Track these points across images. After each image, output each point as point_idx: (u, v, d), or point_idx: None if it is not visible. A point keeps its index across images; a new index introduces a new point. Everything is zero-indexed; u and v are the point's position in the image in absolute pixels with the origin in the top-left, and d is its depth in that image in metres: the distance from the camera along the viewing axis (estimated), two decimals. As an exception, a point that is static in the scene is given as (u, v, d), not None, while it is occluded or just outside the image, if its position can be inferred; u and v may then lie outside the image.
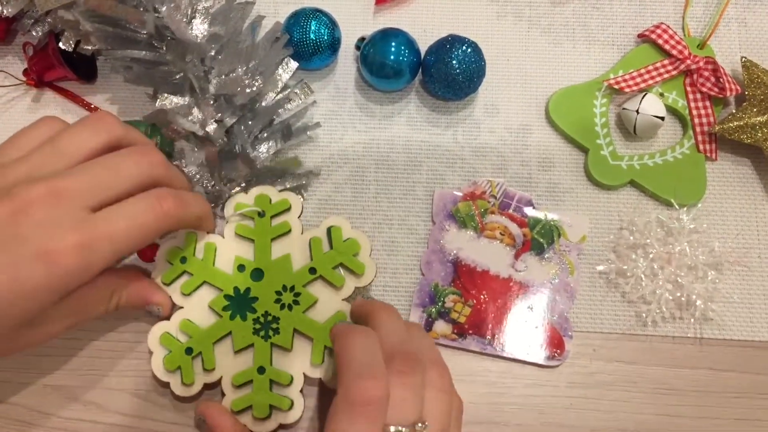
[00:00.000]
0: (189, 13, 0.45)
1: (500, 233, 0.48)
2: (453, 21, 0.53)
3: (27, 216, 0.33)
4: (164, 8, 0.44)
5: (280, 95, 0.48)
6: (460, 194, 0.48)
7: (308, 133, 0.49)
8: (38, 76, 0.50)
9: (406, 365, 0.35)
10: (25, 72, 0.51)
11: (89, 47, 0.46)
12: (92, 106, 0.51)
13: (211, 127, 0.45)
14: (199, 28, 0.45)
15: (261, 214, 0.46)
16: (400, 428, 0.33)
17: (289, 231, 0.45)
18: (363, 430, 0.32)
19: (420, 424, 0.33)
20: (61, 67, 0.50)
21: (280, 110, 0.48)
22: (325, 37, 0.49)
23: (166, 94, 0.46)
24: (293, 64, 0.48)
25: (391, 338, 0.37)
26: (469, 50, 0.48)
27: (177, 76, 0.46)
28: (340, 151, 0.50)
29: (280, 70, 0.48)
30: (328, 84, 0.52)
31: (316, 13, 0.49)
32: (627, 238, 0.47)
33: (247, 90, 0.45)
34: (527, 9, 0.53)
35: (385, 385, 0.33)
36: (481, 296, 0.46)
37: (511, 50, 0.52)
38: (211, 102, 0.46)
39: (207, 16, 0.45)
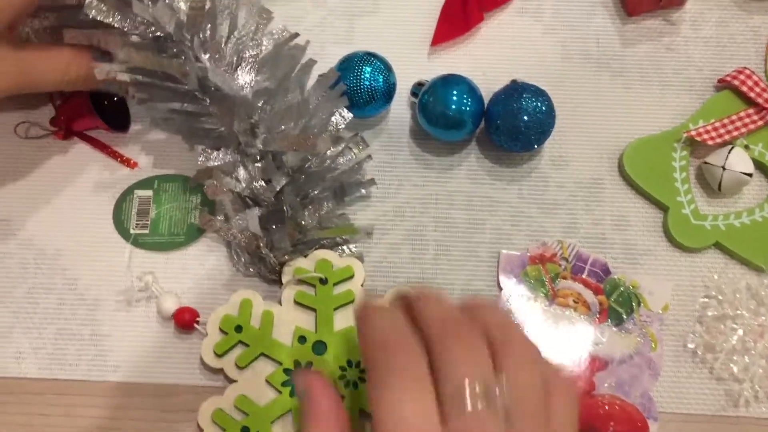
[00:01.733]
0: (234, 61, 0.41)
1: (574, 301, 0.44)
2: (514, 62, 0.49)
3: None
4: (206, 56, 0.40)
5: (334, 151, 0.44)
6: (527, 257, 0.44)
7: (362, 191, 0.45)
8: (67, 126, 0.46)
9: (458, 327, 0.28)
10: (53, 121, 0.46)
11: (120, 93, 0.42)
12: (125, 157, 0.47)
13: (259, 187, 0.41)
14: (245, 79, 0.41)
15: (323, 281, 0.42)
16: (471, 387, 0.26)
17: (353, 300, 0.42)
18: (409, 399, 0.26)
19: (497, 387, 0.26)
20: (91, 117, 0.46)
21: (332, 166, 0.44)
22: (380, 84, 0.45)
23: (208, 150, 0.42)
24: (348, 115, 0.44)
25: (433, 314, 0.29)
26: (539, 100, 0.44)
27: (221, 129, 0.42)
28: (396, 207, 0.46)
29: (333, 120, 0.44)
30: (381, 132, 0.48)
31: (370, 57, 0.45)
32: (714, 307, 0.43)
33: (300, 149, 0.41)
34: (595, 49, 0.49)
35: (416, 349, 0.27)
36: (555, 372, 0.42)
37: (580, 95, 0.48)
38: (258, 158, 0.42)
39: (254, 65, 0.41)
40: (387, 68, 0.45)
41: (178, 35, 0.40)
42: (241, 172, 0.42)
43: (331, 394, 0.31)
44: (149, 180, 0.46)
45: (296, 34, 0.43)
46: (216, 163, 0.42)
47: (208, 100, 0.41)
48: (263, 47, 0.43)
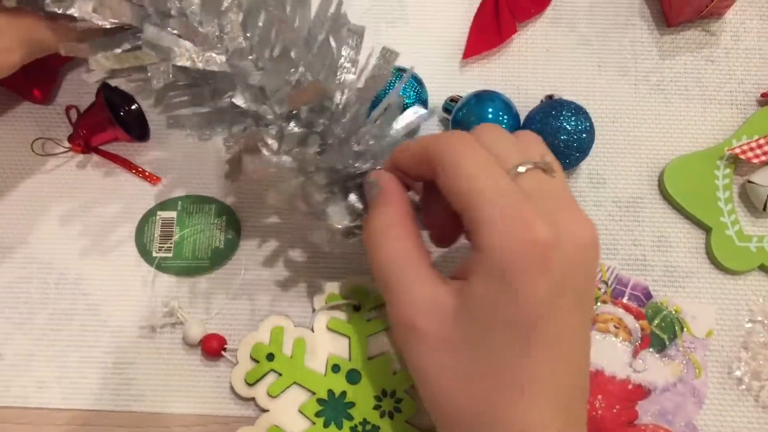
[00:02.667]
0: (215, 26, 0.35)
1: (614, 326, 0.42)
2: (549, 75, 0.47)
3: None
4: (175, 32, 0.35)
5: (352, 74, 0.37)
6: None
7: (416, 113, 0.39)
8: (86, 141, 0.45)
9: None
10: (71, 138, 0.45)
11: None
12: (147, 173, 0.45)
13: (297, 152, 0.35)
14: (234, 43, 0.36)
15: (356, 308, 0.41)
16: (526, 165, 0.30)
17: (387, 328, 0.41)
18: (483, 156, 0.30)
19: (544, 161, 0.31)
20: (112, 129, 0.44)
21: (365, 95, 0.37)
22: (412, 101, 0.43)
23: (230, 136, 0.36)
24: (360, 28, 0.37)
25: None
26: (579, 119, 0.42)
27: (234, 109, 0.36)
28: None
29: (345, 50, 0.37)
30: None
31: (401, 73, 0.43)
32: (759, 332, 0.42)
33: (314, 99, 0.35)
34: (633, 62, 0.47)
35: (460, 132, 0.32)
36: (596, 401, 0.41)
37: (617, 110, 0.46)
38: (280, 124, 0.36)
39: (237, 20, 0.35)
40: (418, 83, 0.44)
41: (140, 23, 0.35)
42: (270, 143, 0.36)
43: (400, 183, 0.34)
44: (172, 201, 0.44)
45: None
46: (242, 142, 0.36)
47: (200, 81, 0.37)
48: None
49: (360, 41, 0.37)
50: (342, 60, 0.37)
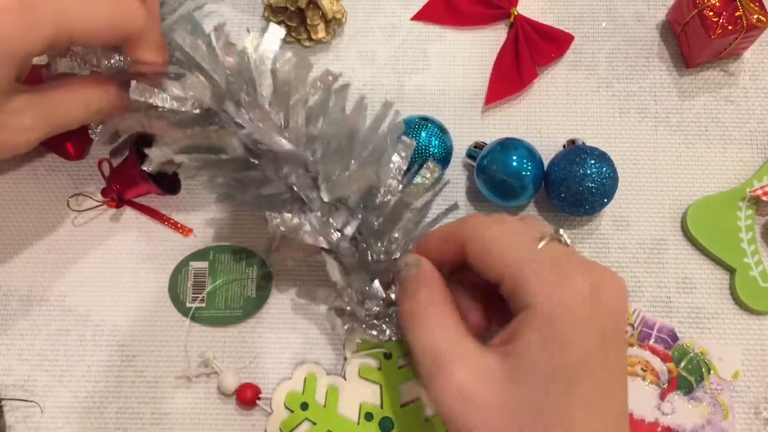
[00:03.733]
0: (281, 118, 0.39)
1: (642, 369, 0.43)
2: (570, 119, 0.48)
3: None
4: (249, 117, 0.38)
5: (401, 182, 0.40)
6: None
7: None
8: (119, 195, 0.46)
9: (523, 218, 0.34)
10: (104, 191, 0.46)
11: (180, 174, 0.41)
12: (179, 225, 0.46)
13: (334, 239, 0.39)
14: (295, 131, 0.39)
15: (387, 355, 0.41)
16: (544, 238, 0.31)
17: None
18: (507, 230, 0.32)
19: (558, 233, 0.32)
20: (145, 183, 0.45)
21: (405, 200, 0.40)
22: (437, 150, 0.44)
23: (276, 215, 0.39)
24: (410, 143, 0.41)
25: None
26: (603, 165, 0.43)
27: (282, 192, 0.40)
28: (455, 273, 0.45)
29: (395, 157, 0.41)
30: (436, 196, 0.46)
31: (424, 122, 0.44)
32: (786, 374, 0.42)
33: (363, 184, 0.38)
34: (653, 104, 0.48)
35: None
36: (626, 445, 0.41)
37: (638, 152, 0.47)
38: (327, 211, 0.40)
39: (302, 116, 0.39)
40: (442, 131, 0.45)
41: (218, 105, 0.38)
42: (309, 227, 0.39)
43: (436, 269, 0.35)
44: (204, 251, 0.45)
45: (340, 74, 0.41)
46: (287, 227, 0.39)
47: (261, 164, 0.39)
48: (309, 97, 0.40)
49: (409, 154, 0.40)
50: (392, 165, 0.40)
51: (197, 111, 0.38)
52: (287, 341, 0.44)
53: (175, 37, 0.38)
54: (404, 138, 0.41)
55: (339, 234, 0.39)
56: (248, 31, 0.41)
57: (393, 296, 0.40)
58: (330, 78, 0.41)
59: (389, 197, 0.40)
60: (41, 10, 0.32)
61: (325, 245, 0.39)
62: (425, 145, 0.44)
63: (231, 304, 0.44)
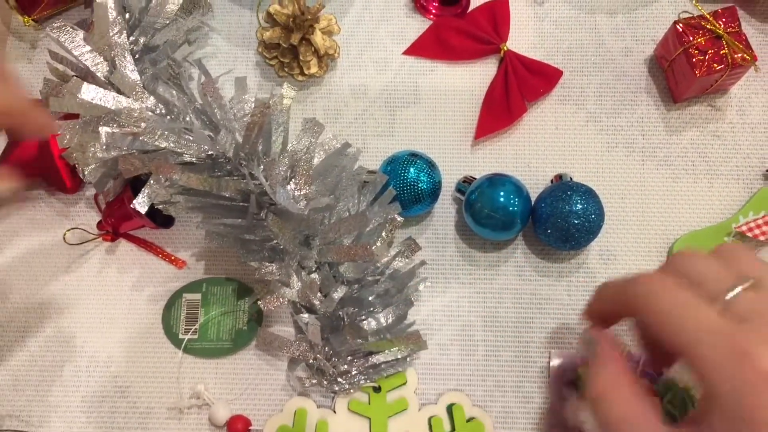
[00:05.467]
0: (288, 175, 0.41)
1: (627, 403, 0.43)
2: (559, 153, 0.48)
3: None
4: (261, 171, 0.40)
5: (388, 257, 0.44)
6: (578, 357, 0.44)
7: (414, 293, 0.45)
8: (114, 228, 0.47)
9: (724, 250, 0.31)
10: (100, 224, 0.47)
11: (174, 213, 0.42)
12: (173, 257, 0.47)
13: (317, 301, 0.41)
14: (302, 193, 0.41)
15: (377, 389, 0.42)
16: (734, 290, 0.29)
17: (406, 408, 0.42)
18: (683, 298, 0.30)
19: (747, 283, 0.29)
20: (139, 218, 0.46)
21: (387, 271, 0.44)
22: (425, 186, 0.45)
23: (265, 264, 0.42)
24: (400, 220, 0.44)
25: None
26: (589, 202, 0.43)
27: (275, 242, 0.42)
28: (444, 306, 0.46)
29: (386, 227, 0.44)
30: (426, 229, 0.47)
31: (413, 158, 0.45)
32: (770, 409, 0.43)
33: (357, 259, 0.41)
34: (640, 138, 0.49)
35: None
36: (611, 479, 0.42)
37: (626, 186, 0.48)
38: (313, 269, 0.42)
39: (308, 177, 0.41)
40: (430, 166, 0.45)
41: (235, 155, 0.40)
42: (297, 284, 0.42)
43: (617, 343, 0.35)
44: (197, 283, 0.46)
45: (348, 144, 0.43)
46: (273, 277, 0.41)
47: (263, 215, 0.41)
48: (315, 158, 0.43)
49: (395, 230, 0.44)
50: (380, 243, 0.43)
51: (211, 155, 0.40)
52: (278, 374, 0.45)
53: (194, 91, 0.40)
54: (397, 216, 0.44)
55: (323, 297, 0.41)
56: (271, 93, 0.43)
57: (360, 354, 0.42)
58: (336, 144, 0.43)
59: (375, 270, 0.43)
60: None
61: (304, 302, 0.41)
62: (414, 180, 0.44)
63: (223, 336, 0.45)
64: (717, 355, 0.28)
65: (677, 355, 0.30)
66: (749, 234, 0.45)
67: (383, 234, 0.43)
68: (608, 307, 0.34)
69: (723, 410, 0.28)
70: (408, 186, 0.44)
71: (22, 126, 0.36)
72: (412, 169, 0.45)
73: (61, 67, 0.45)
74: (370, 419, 0.42)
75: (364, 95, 0.50)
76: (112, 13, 0.44)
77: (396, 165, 0.45)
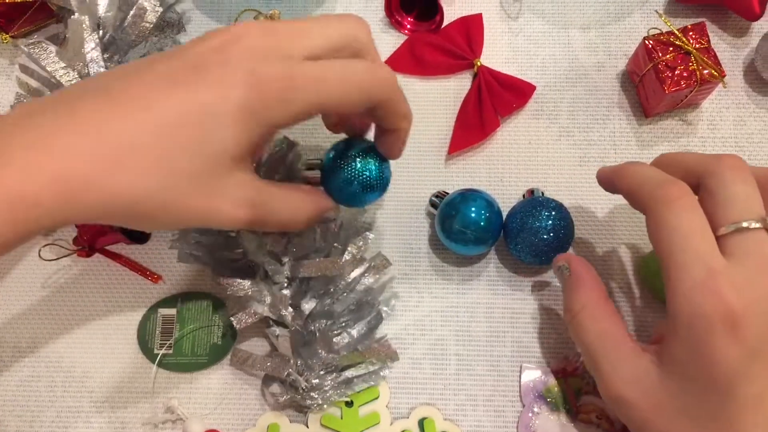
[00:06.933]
0: None
1: (597, 417, 0.44)
2: (532, 168, 0.49)
3: (236, 44, 0.31)
4: None
5: (358, 272, 0.44)
6: (549, 371, 0.44)
7: (385, 308, 0.45)
8: (89, 244, 0.47)
9: (734, 159, 0.34)
10: (75, 240, 0.47)
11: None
12: (148, 272, 0.47)
13: (288, 314, 0.42)
14: None
15: (349, 404, 0.43)
16: (750, 223, 0.32)
17: (379, 422, 0.43)
18: (688, 219, 0.33)
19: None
20: (114, 233, 0.46)
21: (358, 287, 0.44)
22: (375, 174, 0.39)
23: (236, 280, 0.42)
24: (371, 236, 0.44)
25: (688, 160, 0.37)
26: (559, 218, 0.44)
27: (244, 260, 0.43)
28: (416, 320, 0.46)
29: (356, 242, 0.44)
30: (400, 243, 0.48)
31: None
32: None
33: (328, 274, 0.42)
34: (612, 153, 0.49)
35: (685, 186, 0.34)
36: (580, 493, 0.42)
37: (597, 200, 0.48)
38: (285, 285, 0.42)
39: None
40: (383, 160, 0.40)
41: None
42: (268, 298, 0.42)
43: (590, 266, 0.40)
44: (173, 298, 0.47)
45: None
46: (245, 293, 0.42)
47: (235, 232, 0.42)
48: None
49: (365, 245, 0.45)
50: (347, 256, 0.44)
51: None
52: (252, 389, 0.45)
53: None
54: (368, 233, 0.45)
55: (293, 310, 0.42)
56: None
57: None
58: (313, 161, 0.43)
59: (345, 285, 0.44)
60: (301, 89, 0.31)
61: (275, 316, 0.41)
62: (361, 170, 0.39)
63: (198, 350, 0.45)
64: (693, 287, 0.31)
65: (662, 264, 0.33)
66: (718, 248, 0.45)
67: (353, 250, 0.44)
68: (679, 172, 0.36)
69: (682, 337, 0.32)
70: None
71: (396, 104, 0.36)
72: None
73: (34, 82, 0.45)
74: (342, 433, 0.43)
75: (339, 110, 0.50)
76: (87, 30, 0.44)
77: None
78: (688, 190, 0.34)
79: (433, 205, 0.47)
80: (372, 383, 0.44)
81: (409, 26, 0.52)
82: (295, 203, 0.36)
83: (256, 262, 0.42)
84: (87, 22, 0.44)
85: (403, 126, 0.37)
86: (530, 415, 0.44)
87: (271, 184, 0.35)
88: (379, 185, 0.39)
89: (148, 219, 0.31)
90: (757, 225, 0.32)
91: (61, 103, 0.30)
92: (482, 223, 0.44)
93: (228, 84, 0.30)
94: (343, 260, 0.43)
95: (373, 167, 0.39)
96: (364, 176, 0.38)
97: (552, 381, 0.44)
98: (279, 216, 0.35)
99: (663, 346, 0.34)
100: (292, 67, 0.31)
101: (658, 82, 0.46)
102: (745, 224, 0.32)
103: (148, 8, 0.45)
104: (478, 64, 0.50)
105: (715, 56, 0.46)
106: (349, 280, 0.44)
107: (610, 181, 0.40)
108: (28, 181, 0.27)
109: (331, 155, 0.39)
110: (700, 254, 0.32)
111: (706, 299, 0.31)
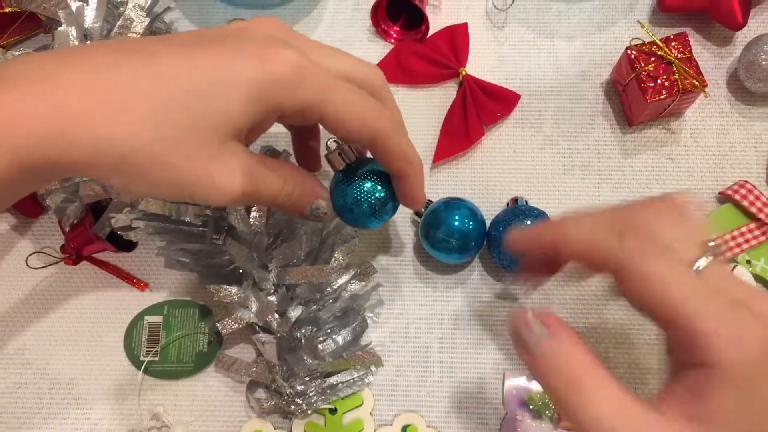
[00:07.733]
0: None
1: (579, 424, 0.44)
2: (516, 176, 0.49)
3: (258, 29, 0.32)
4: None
5: (344, 279, 0.44)
6: (532, 378, 0.45)
7: (370, 315, 0.46)
8: (77, 252, 0.47)
9: (635, 235, 0.30)
10: (63, 248, 0.47)
11: (134, 238, 0.43)
12: (135, 280, 0.48)
13: (274, 320, 0.42)
14: (257, 215, 0.42)
15: (332, 411, 0.43)
16: (705, 259, 0.28)
17: (362, 430, 0.43)
18: (672, 263, 0.28)
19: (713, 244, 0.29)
20: (100, 242, 0.47)
21: (344, 294, 0.45)
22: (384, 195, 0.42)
23: (223, 287, 0.42)
24: (355, 242, 0.45)
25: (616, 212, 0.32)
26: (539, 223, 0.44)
27: (234, 266, 0.43)
28: (401, 328, 0.47)
29: (342, 249, 0.44)
30: (385, 251, 0.48)
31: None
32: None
33: (314, 281, 0.42)
34: (596, 161, 0.49)
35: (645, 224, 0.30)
36: (562, 500, 0.43)
37: (581, 208, 0.48)
38: (271, 291, 0.43)
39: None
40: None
41: None
42: (255, 305, 0.42)
43: (566, 324, 0.31)
44: (159, 305, 0.47)
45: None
46: (232, 300, 0.42)
47: (221, 240, 0.42)
48: None
49: (351, 252, 0.45)
50: (334, 263, 0.44)
51: None
52: (238, 395, 0.45)
53: None
54: (354, 240, 0.45)
55: (279, 317, 0.42)
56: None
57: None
58: None
59: (331, 292, 0.44)
60: (309, 81, 0.31)
61: (261, 323, 0.42)
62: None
63: (184, 357, 0.46)
64: (723, 325, 0.27)
65: (667, 324, 0.28)
66: (700, 257, 0.46)
67: (339, 257, 0.44)
68: (581, 249, 0.32)
69: (736, 381, 0.27)
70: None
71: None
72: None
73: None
74: (325, 440, 0.43)
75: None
76: (74, 41, 0.45)
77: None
78: (649, 230, 0.30)
79: (417, 213, 0.47)
80: (356, 389, 0.44)
81: (395, 35, 0.52)
82: (290, 178, 0.35)
83: (242, 269, 0.43)
84: (74, 33, 0.44)
85: (407, 171, 0.36)
86: (513, 422, 0.44)
87: (266, 158, 0.34)
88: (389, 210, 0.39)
89: (138, 173, 0.29)
90: (710, 259, 0.29)
91: (72, 50, 0.30)
92: (466, 232, 0.44)
93: (243, 56, 0.30)
94: (330, 267, 0.43)
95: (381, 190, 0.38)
96: (374, 197, 0.38)
97: (535, 388, 0.45)
98: (272, 190, 0.34)
99: (696, 406, 0.27)
100: (307, 58, 0.31)
101: (640, 91, 0.46)
102: (702, 262, 0.29)
103: (134, 19, 0.46)
104: (464, 73, 0.50)
105: (697, 66, 0.46)
106: (335, 287, 0.44)
107: (544, 245, 0.34)
108: (25, 107, 0.27)
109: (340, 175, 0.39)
110: (701, 292, 0.28)
111: (746, 334, 0.27)
